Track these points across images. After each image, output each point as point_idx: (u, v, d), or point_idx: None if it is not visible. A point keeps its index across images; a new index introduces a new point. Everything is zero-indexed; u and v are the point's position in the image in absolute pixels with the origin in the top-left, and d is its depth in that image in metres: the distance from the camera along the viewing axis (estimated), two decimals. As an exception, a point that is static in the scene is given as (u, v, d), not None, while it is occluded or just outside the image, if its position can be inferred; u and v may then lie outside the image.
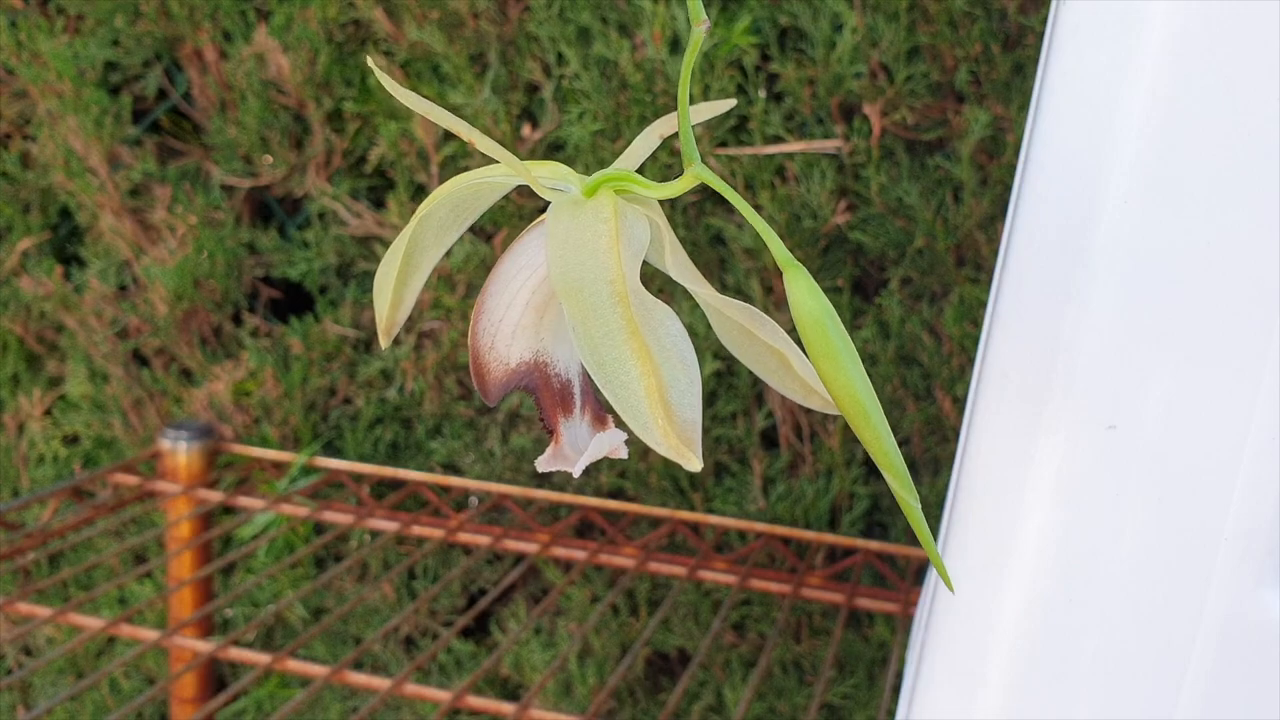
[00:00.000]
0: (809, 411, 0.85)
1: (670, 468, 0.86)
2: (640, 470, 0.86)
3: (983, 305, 0.78)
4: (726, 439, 0.86)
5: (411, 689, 0.63)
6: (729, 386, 0.85)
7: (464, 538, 0.82)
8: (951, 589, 0.31)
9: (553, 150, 0.86)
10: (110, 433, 0.99)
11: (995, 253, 0.78)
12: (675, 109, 0.85)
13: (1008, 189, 0.77)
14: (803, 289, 0.29)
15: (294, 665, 0.65)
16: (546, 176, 0.31)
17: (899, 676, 0.68)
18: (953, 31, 0.76)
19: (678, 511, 0.82)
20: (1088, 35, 0.33)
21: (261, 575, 0.76)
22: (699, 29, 0.29)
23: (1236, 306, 0.32)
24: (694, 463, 0.27)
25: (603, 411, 0.32)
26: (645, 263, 0.32)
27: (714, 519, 0.82)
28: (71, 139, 0.94)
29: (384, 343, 0.34)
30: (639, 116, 0.81)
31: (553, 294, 0.31)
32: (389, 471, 0.88)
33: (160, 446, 0.87)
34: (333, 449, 0.94)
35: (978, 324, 0.78)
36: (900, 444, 0.84)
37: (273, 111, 0.92)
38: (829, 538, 0.80)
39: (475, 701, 0.63)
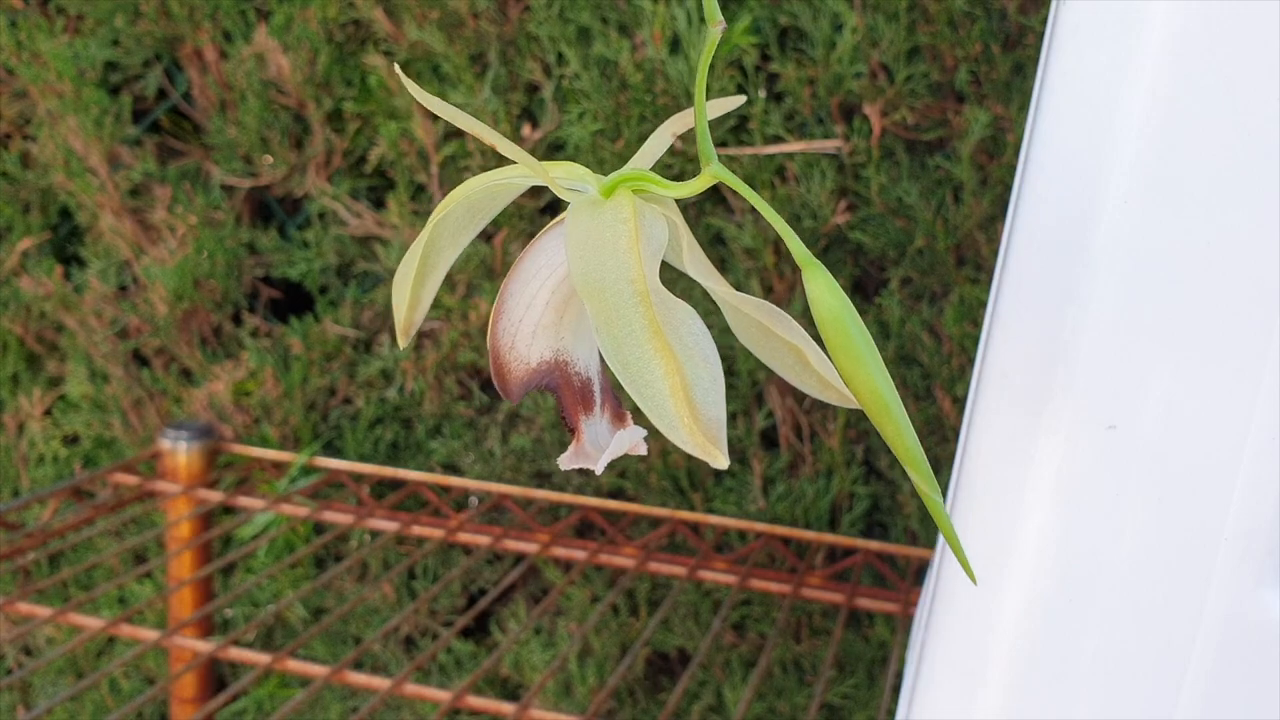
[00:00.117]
0: (809, 411, 0.85)
1: (670, 468, 0.86)
2: (640, 470, 0.86)
3: (983, 305, 0.78)
4: (727, 439, 0.86)
5: (411, 689, 0.63)
6: (729, 387, 0.86)
7: (464, 538, 0.82)
8: (974, 580, 0.31)
9: (553, 150, 0.86)
10: (110, 433, 0.99)
11: (995, 253, 0.78)
12: (675, 109, 0.85)
13: (1008, 189, 0.77)
14: (822, 286, 0.29)
15: (294, 665, 0.65)
16: (564, 177, 0.31)
17: (899, 676, 0.68)
18: (953, 31, 0.76)
19: (678, 511, 0.82)
20: (1088, 35, 0.33)
21: (261, 575, 0.76)
22: (715, 29, 0.29)
23: (1236, 306, 0.32)
24: (720, 460, 0.27)
25: (622, 409, 0.32)
26: (666, 263, 0.32)
27: (714, 519, 0.82)
28: (71, 139, 0.94)
29: (402, 342, 0.35)
30: (639, 116, 0.81)
31: (572, 293, 0.31)
32: (389, 471, 0.88)
33: (160, 446, 0.87)
34: (333, 449, 0.94)
35: (978, 324, 0.78)
36: (900, 444, 0.84)
37: (273, 111, 0.92)
38: (829, 538, 0.80)
39: (475, 701, 0.63)
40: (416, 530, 0.82)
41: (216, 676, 0.93)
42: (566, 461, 0.32)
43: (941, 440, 0.81)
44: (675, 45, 0.80)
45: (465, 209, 0.33)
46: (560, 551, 0.81)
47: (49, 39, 0.95)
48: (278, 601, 0.96)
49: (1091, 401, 0.34)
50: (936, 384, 0.80)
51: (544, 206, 0.88)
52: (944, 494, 0.34)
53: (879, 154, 0.79)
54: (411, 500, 0.91)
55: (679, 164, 0.80)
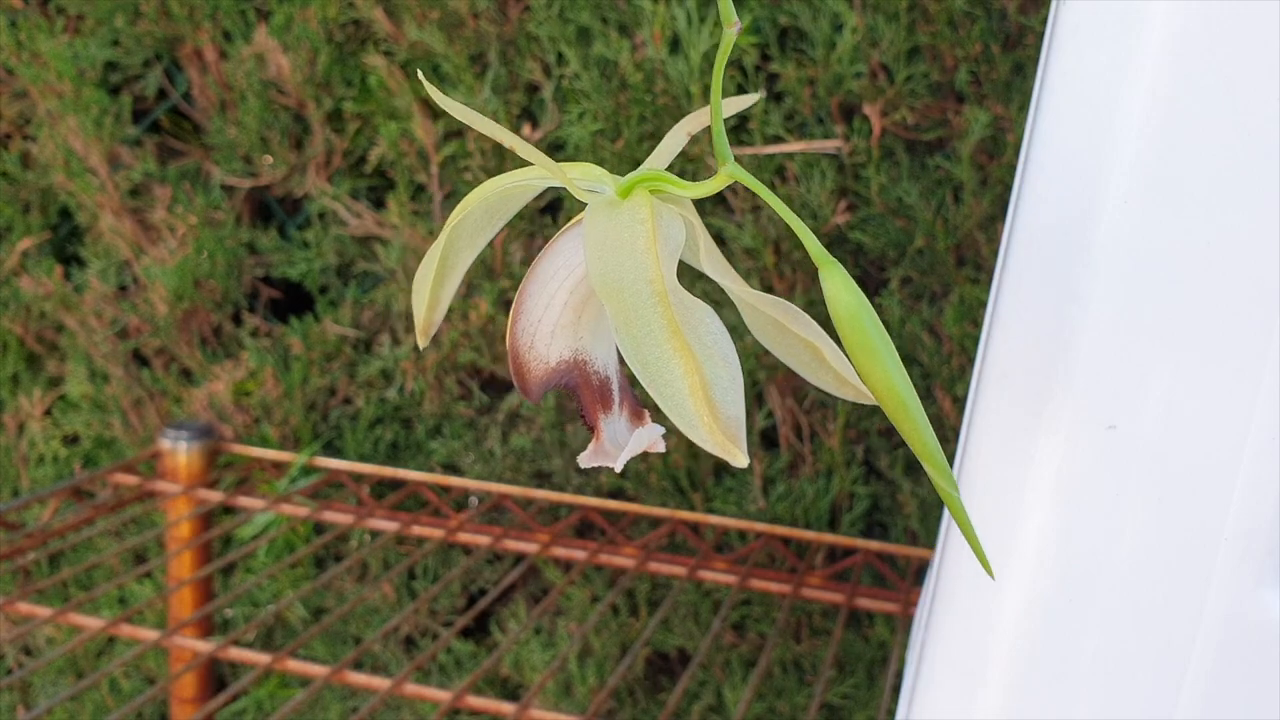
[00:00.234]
0: (809, 411, 0.85)
1: (670, 468, 0.86)
2: (640, 470, 0.86)
3: (983, 305, 0.78)
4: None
5: (411, 689, 0.63)
6: (729, 386, 0.85)
7: (464, 538, 0.82)
8: (992, 575, 0.31)
9: (553, 150, 0.86)
10: (110, 433, 0.99)
11: (995, 253, 0.78)
12: (675, 108, 0.85)
13: (1008, 189, 0.77)
14: (839, 284, 0.29)
15: (294, 665, 0.65)
16: (581, 178, 0.32)
17: (899, 676, 0.68)
18: (953, 31, 0.76)
19: (678, 511, 0.82)
20: (1088, 35, 0.33)
21: (261, 575, 0.76)
22: (731, 30, 0.29)
23: (1236, 306, 0.32)
24: (740, 459, 0.28)
25: (640, 407, 0.33)
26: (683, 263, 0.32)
27: (714, 519, 0.82)
28: (71, 139, 0.94)
29: (422, 343, 0.35)
30: (639, 116, 0.81)
31: (590, 293, 0.31)
32: (389, 471, 0.88)
33: (160, 446, 0.87)
34: (333, 449, 0.94)
35: (978, 324, 0.78)
36: (900, 444, 0.84)
37: (273, 111, 0.92)
38: (829, 538, 0.80)
39: (475, 701, 0.63)
40: (416, 530, 0.82)
41: (216, 676, 0.93)
42: (587, 460, 0.32)
43: (942, 440, 0.81)
44: (675, 45, 0.80)
45: (483, 210, 0.34)
46: (560, 551, 0.81)
47: (49, 39, 0.95)
48: (278, 601, 0.96)
49: (1091, 401, 0.34)
50: (936, 384, 0.80)
51: (544, 207, 0.88)
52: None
53: (879, 154, 0.79)
54: (411, 500, 0.91)
55: (678, 163, 0.80)
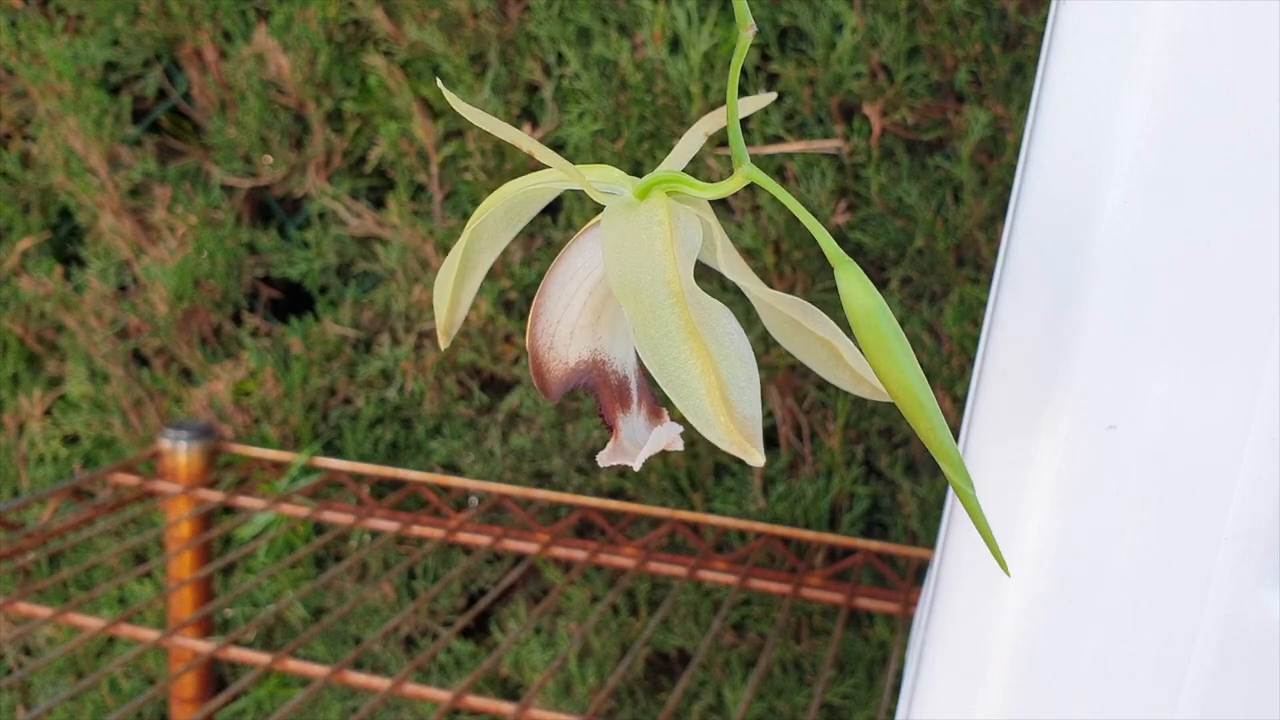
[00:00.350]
0: (809, 411, 0.85)
1: (670, 467, 0.86)
2: (640, 470, 0.86)
3: (983, 305, 0.78)
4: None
5: (411, 689, 0.63)
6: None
7: (464, 538, 0.82)
8: (1008, 573, 0.31)
9: (552, 150, 0.86)
10: (110, 433, 0.99)
11: (995, 253, 0.78)
12: (675, 109, 0.85)
13: (1008, 189, 0.77)
14: (855, 284, 0.30)
15: (294, 665, 0.65)
16: (599, 180, 0.32)
17: (899, 676, 0.68)
18: (953, 31, 0.76)
19: (678, 511, 0.82)
20: (1088, 35, 0.33)
21: (261, 575, 0.76)
22: (746, 33, 0.29)
23: (1236, 306, 0.32)
24: (757, 458, 0.28)
25: (658, 405, 0.33)
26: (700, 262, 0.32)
27: (714, 519, 0.82)
28: (71, 139, 0.94)
29: (443, 343, 0.35)
30: (639, 116, 0.81)
31: (608, 294, 0.32)
32: (389, 471, 0.88)
33: (160, 446, 0.87)
34: (333, 449, 0.94)
35: (978, 324, 0.78)
36: (900, 444, 0.84)
37: (273, 111, 0.92)
38: (829, 538, 0.80)
39: (475, 701, 0.63)
40: (416, 530, 0.82)
41: (216, 676, 0.93)
42: (606, 458, 0.32)
43: (941, 440, 0.81)
44: (675, 45, 0.80)
45: (503, 212, 0.34)
46: (560, 551, 0.81)
47: (49, 39, 0.95)
48: (278, 601, 0.96)
49: (1091, 401, 0.34)
50: (937, 384, 0.80)
51: (545, 208, 0.88)
52: (944, 494, 0.34)
53: (879, 154, 0.79)
54: (411, 500, 0.91)
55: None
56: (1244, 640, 0.34)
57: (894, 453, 0.84)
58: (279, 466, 0.90)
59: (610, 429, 0.32)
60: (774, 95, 0.39)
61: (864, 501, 0.84)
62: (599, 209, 0.32)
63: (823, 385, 0.84)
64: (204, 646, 0.67)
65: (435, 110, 0.89)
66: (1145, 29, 0.32)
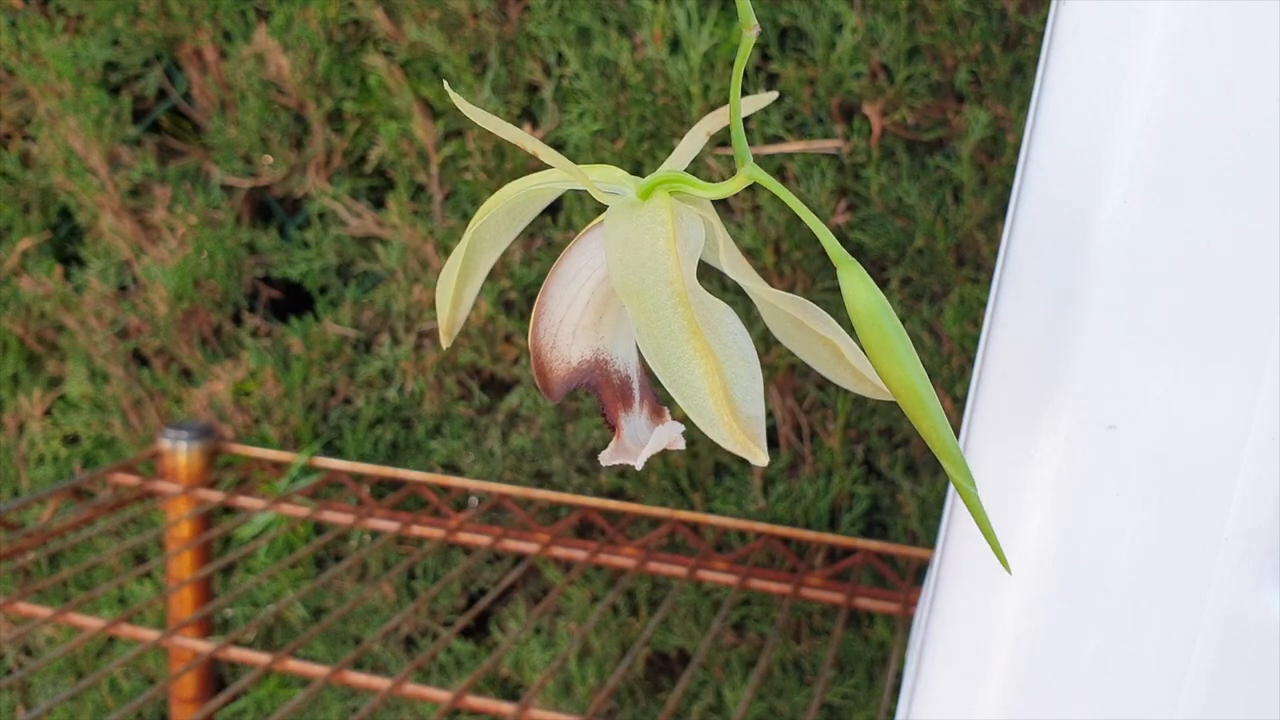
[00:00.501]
0: (809, 411, 0.85)
1: (670, 467, 0.86)
2: (640, 470, 0.86)
3: (983, 305, 0.78)
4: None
5: (411, 689, 0.63)
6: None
7: (464, 538, 0.82)
8: (1010, 570, 0.31)
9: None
10: (110, 433, 0.99)
11: (995, 253, 0.78)
12: (675, 109, 0.85)
13: (1008, 189, 0.77)
14: (858, 283, 0.30)
15: (294, 665, 0.65)
16: (602, 180, 0.32)
17: (899, 676, 0.68)
18: (953, 31, 0.76)
19: (678, 511, 0.82)
20: (1088, 35, 0.33)
21: (261, 575, 0.76)
22: (750, 33, 0.30)
23: (1236, 306, 0.32)
24: (760, 457, 0.28)
25: (660, 404, 0.33)
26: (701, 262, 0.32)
27: (714, 519, 0.82)
28: (71, 139, 0.94)
29: (445, 342, 0.35)
30: (639, 116, 0.81)
31: (611, 293, 0.32)
32: (389, 471, 0.88)
33: (160, 446, 0.87)
34: (333, 449, 0.94)
35: (978, 324, 0.78)
36: (900, 444, 0.84)
37: (273, 111, 0.92)
38: (829, 538, 0.80)
39: (475, 701, 0.63)
40: (416, 530, 0.82)
41: (216, 676, 0.93)
42: (608, 457, 0.32)
43: (941, 440, 0.81)
44: (675, 45, 0.80)
45: (506, 212, 0.34)
46: (560, 551, 0.81)
47: (49, 39, 0.95)
48: (278, 601, 0.96)
49: (1091, 401, 0.34)
50: (937, 384, 0.80)
51: (545, 208, 0.88)
52: (944, 494, 0.34)
53: (879, 154, 0.79)
54: (411, 500, 0.91)
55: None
56: (1244, 640, 0.34)
57: (894, 453, 0.84)
58: (279, 466, 0.90)
59: (612, 428, 0.32)
60: (775, 95, 0.39)
61: (864, 501, 0.84)
62: (600, 209, 0.32)
63: (823, 385, 0.84)
64: (204, 646, 0.67)
65: (435, 110, 0.89)
66: (1145, 29, 0.32)
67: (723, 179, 0.66)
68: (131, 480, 0.86)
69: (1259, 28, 0.31)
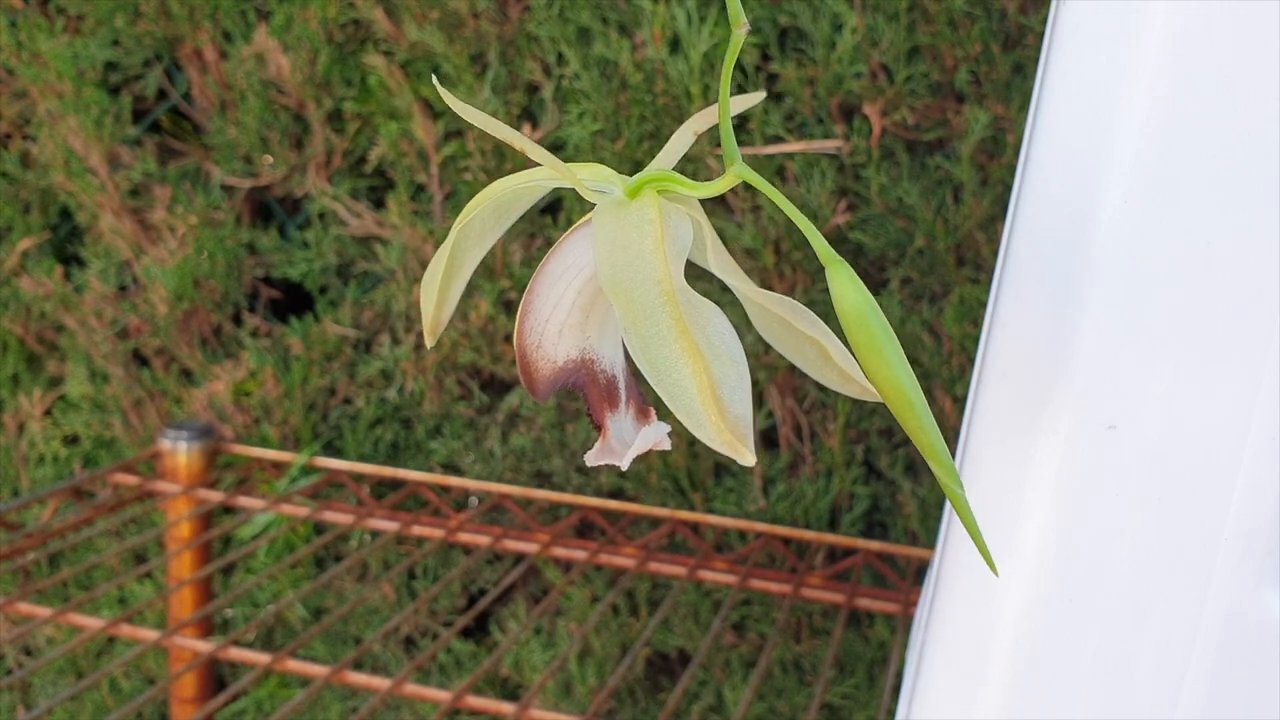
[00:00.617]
0: (809, 411, 0.85)
1: (670, 467, 0.86)
2: (640, 470, 0.86)
3: (983, 305, 0.78)
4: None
5: (411, 689, 0.63)
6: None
7: (464, 538, 0.82)
8: (996, 572, 0.31)
9: (552, 150, 0.86)
10: (110, 433, 0.99)
11: (995, 253, 0.78)
12: (675, 108, 0.85)
13: (1008, 189, 0.77)
14: (846, 283, 0.30)
15: (294, 665, 0.65)
16: (590, 179, 0.32)
17: (899, 676, 0.68)
18: (953, 31, 0.76)
19: (678, 511, 0.82)
20: (1088, 35, 0.33)
21: (261, 575, 0.76)
22: (739, 31, 0.29)
23: (1236, 306, 0.32)
24: (748, 457, 0.28)
25: (646, 405, 0.33)
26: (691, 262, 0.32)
27: (714, 519, 0.82)
28: (71, 139, 0.94)
29: (429, 341, 0.35)
30: (639, 116, 0.81)
31: (597, 292, 0.32)
32: (389, 471, 0.88)
33: (160, 446, 0.87)
34: (333, 449, 0.94)
35: (978, 324, 0.78)
36: (900, 444, 0.84)
37: (273, 111, 0.92)
38: (829, 538, 0.80)
39: (475, 701, 0.63)
40: (416, 530, 0.82)
41: (216, 676, 0.93)
42: (593, 458, 0.32)
43: (941, 440, 0.81)
44: (675, 45, 0.80)
45: (492, 210, 0.34)
46: (560, 551, 0.81)
47: (49, 39, 0.95)
48: (278, 601, 0.96)
49: (1091, 401, 0.34)
50: (936, 384, 0.80)
51: (544, 207, 0.88)
52: (944, 494, 0.34)
53: (879, 154, 0.79)
54: (411, 500, 0.91)
55: (679, 163, 0.80)
56: (1244, 640, 0.34)
57: (894, 453, 0.84)
58: (279, 466, 0.90)
59: (598, 428, 0.32)
60: (764, 94, 0.39)
61: (864, 501, 0.84)
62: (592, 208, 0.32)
63: (823, 385, 0.84)
64: (204, 646, 0.67)
65: (435, 110, 0.89)
66: (1145, 29, 0.32)
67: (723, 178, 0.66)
68: (131, 480, 0.86)
69: (1259, 28, 0.31)
